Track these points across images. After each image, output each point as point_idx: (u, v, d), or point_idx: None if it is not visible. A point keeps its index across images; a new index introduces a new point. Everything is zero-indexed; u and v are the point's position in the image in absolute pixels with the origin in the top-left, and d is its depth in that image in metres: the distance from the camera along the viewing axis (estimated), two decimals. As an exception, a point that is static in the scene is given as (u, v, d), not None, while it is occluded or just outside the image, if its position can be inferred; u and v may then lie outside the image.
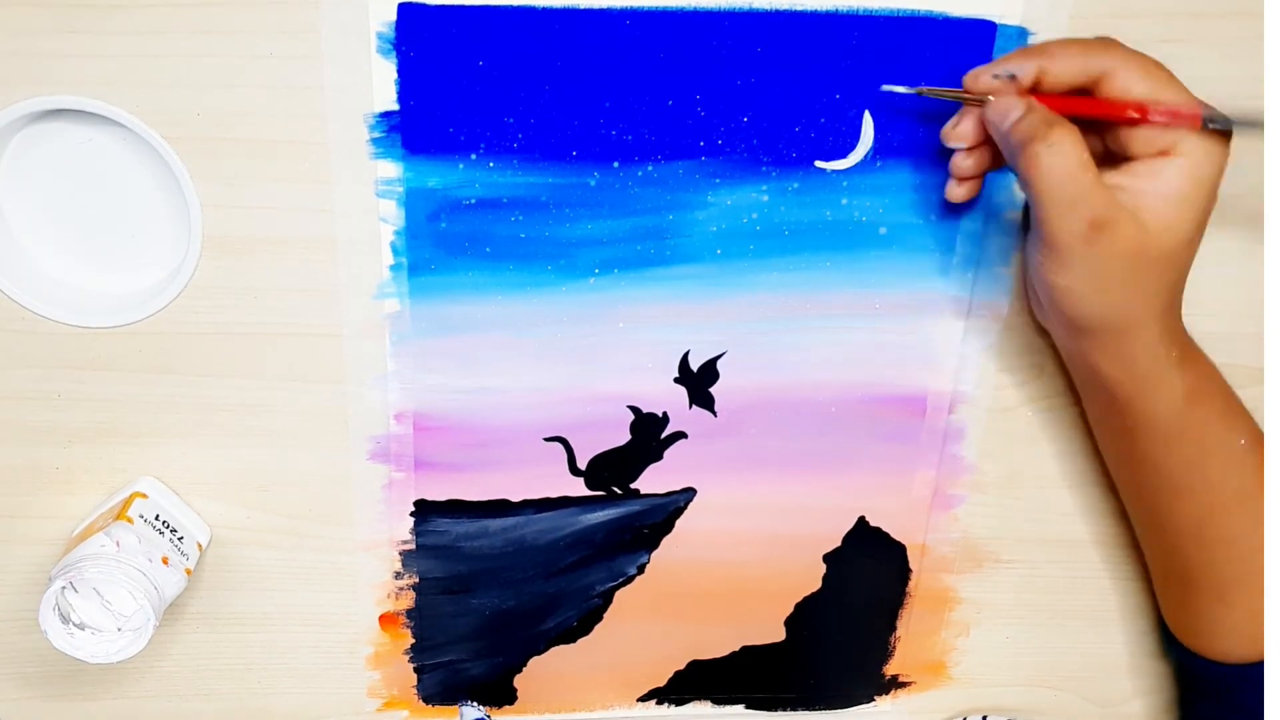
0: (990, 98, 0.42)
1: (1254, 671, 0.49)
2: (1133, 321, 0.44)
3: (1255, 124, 0.41)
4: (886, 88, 0.45)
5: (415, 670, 0.57)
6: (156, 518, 0.49)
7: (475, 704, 0.56)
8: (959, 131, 0.44)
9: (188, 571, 0.49)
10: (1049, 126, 0.40)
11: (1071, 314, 0.44)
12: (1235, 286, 0.51)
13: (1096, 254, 0.42)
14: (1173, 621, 0.54)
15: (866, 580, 0.56)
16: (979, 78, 0.42)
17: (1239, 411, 0.48)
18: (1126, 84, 0.41)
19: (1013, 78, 0.42)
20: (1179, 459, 0.48)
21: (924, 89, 0.44)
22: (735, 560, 0.55)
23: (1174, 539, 0.51)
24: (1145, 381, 0.46)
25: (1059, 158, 0.40)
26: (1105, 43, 0.42)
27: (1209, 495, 0.48)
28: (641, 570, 0.55)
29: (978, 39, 0.44)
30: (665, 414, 0.51)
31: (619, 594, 0.56)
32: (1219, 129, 0.41)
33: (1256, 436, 0.47)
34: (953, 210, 0.48)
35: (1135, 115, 0.41)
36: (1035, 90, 0.42)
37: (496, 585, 0.55)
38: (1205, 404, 0.46)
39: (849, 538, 0.55)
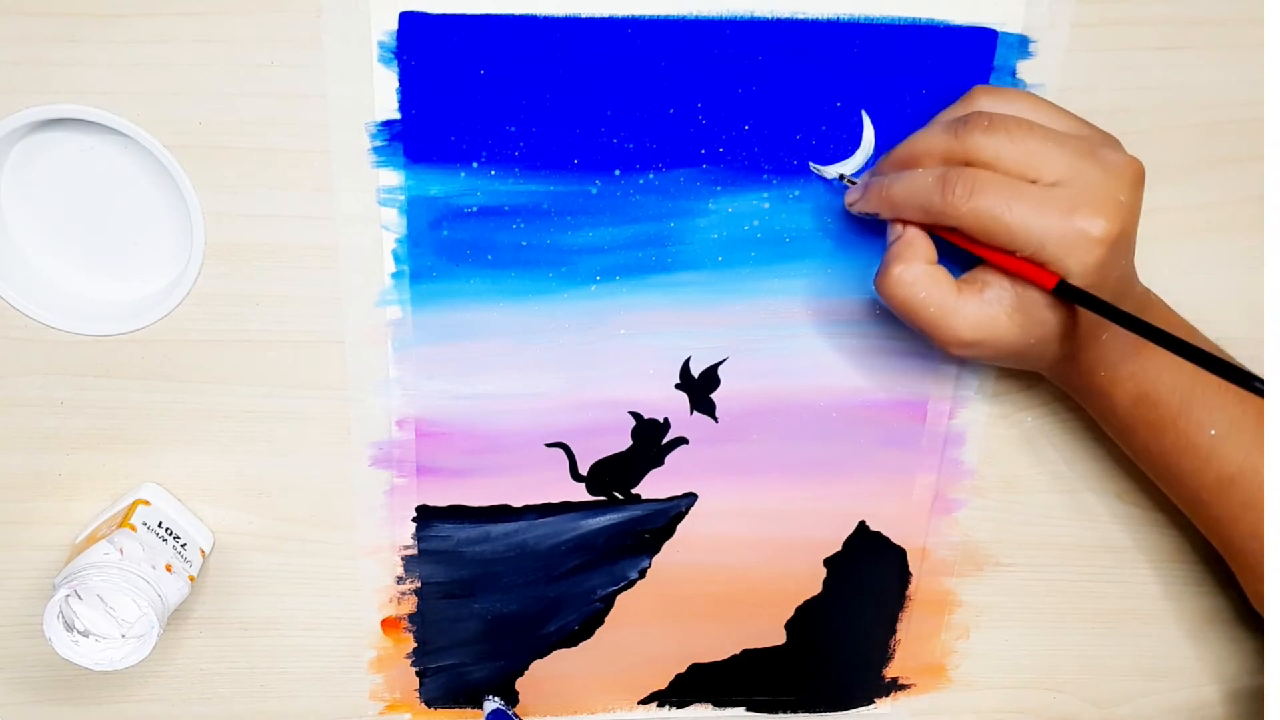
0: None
1: None
2: (1044, 367, 0.46)
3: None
4: (815, 168, 0.46)
5: (417, 674, 0.57)
6: (160, 525, 0.49)
7: (497, 698, 0.56)
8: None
9: (191, 578, 0.49)
10: (896, 259, 0.42)
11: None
12: (1233, 292, 0.51)
13: (973, 356, 0.44)
14: (1246, 590, 0.52)
15: (867, 584, 0.57)
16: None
17: (1208, 404, 0.45)
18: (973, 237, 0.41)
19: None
20: (1145, 451, 0.48)
21: (846, 179, 0.46)
22: (736, 564, 0.56)
23: (1188, 515, 0.51)
24: (1082, 394, 0.47)
25: (900, 289, 0.42)
26: (956, 187, 0.40)
27: (1190, 482, 0.47)
28: (643, 574, 0.55)
29: (978, 47, 0.44)
30: (666, 420, 0.52)
31: (620, 598, 0.56)
32: (1067, 292, 0.40)
33: (1234, 423, 0.45)
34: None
35: (998, 264, 0.41)
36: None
37: (498, 589, 0.55)
38: (1157, 408, 0.45)
39: (850, 542, 0.55)
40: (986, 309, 0.42)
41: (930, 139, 0.42)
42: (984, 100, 0.42)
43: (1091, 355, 0.44)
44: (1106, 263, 0.40)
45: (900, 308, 0.43)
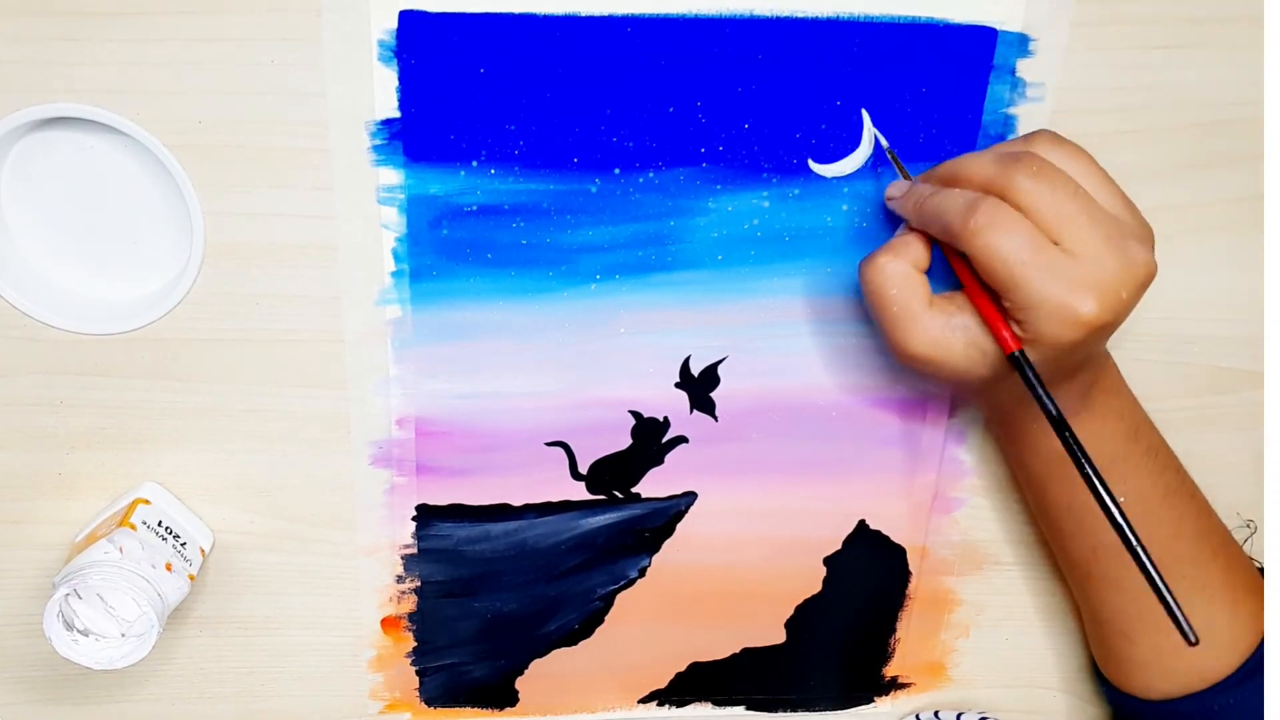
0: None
1: (1169, 708, 0.49)
2: (981, 404, 0.47)
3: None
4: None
5: (417, 673, 0.57)
6: (159, 524, 0.49)
7: None
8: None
9: (190, 577, 0.49)
10: (887, 250, 0.42)
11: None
12: (1233, 291, 0.51)
13: (918, 371, 0.43)
14: (1096, 656, 0.54)
15: (866, 583, 0.57)
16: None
17: (1126, 471, 0.46)
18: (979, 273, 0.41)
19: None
20: (1053, 503, 0.48)
21: (890, 152, 0.46)
22: (736, 563, 0.56)
23: (1071, 576, 0.52)
24: (1008, 441, 0.49)
25: (877, 276, 0.42)
26: (979, 216, 0.39)
27: (1089, 539, 0.48)
28: (642, 573, 0.55)
29: (978, 46, 0.45)
30: (666, 418, 0.52)
31: (620, 597, 0.56)
32: (1020, 366, 0.40)
33: (1142, 494, 0.46)
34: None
35: (975, 305, 0.41)
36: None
37: (498, 588, 0.55)
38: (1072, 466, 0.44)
39: (849, 541, 0.55)
40: (947, 332, 0.41)
41: (978, 163, 0.41)
42: (1043, 145, 0.41)
43: (1028, 411, 0.45)
44: (1081, 345, 0.40)
45: (870, 295, 0.43)
